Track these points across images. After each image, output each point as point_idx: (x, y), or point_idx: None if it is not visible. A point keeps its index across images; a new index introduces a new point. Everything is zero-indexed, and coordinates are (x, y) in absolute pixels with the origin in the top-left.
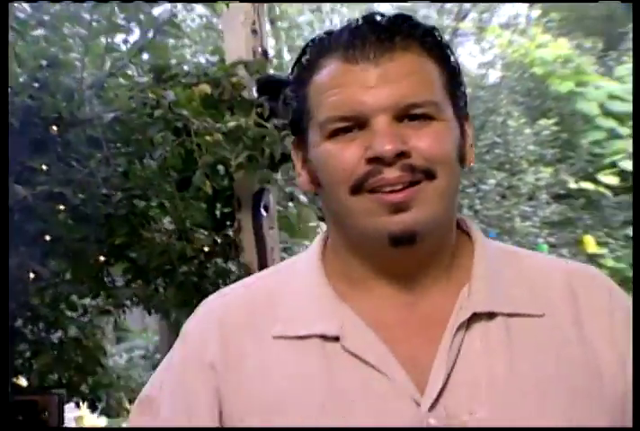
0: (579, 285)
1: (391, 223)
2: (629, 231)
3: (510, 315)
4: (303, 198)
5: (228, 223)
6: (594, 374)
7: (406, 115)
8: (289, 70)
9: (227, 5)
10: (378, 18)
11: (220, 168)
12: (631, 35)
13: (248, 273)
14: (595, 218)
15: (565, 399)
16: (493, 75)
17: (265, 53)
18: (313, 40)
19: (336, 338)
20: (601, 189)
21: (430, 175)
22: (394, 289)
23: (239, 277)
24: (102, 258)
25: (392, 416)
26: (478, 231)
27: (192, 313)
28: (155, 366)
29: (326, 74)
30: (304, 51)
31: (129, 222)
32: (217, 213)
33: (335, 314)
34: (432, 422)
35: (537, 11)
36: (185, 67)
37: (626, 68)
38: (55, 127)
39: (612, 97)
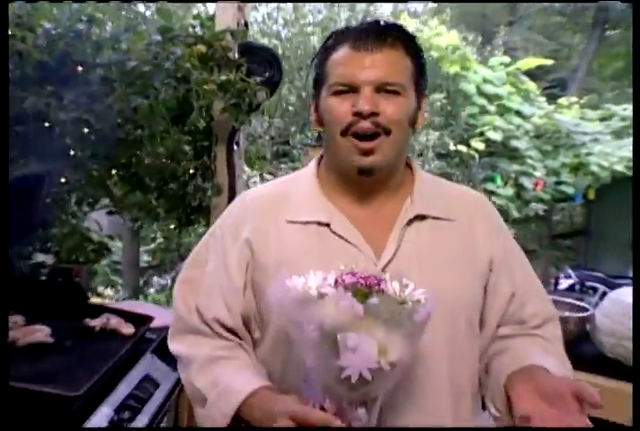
0: (476, 205)
1: (360, 161)
2: (487, 185)
3: (434, 218)
4: (261, 140)
5: (207, 153)
6: (475, 255)
7: (383, 89)
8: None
9: None
10: (381, 23)
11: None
12: (502, 33)
13: (219, 191)
14: (464, 174)
15: (459, 267)
16: None
17: (246, 24)
18: (335, 32)
19: (327, 225)
20: (472, 152)
21: (387, 132)
22: (363, 200)
23: (212, 194)
24: (113, 171)
25: (360, 270)
26: (418, 167)
27: (232, 202)
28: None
29: (339, 54)
30: (329, 37)
31: (135, 146)
32: (199, 145)
33: (326, 210)
34: (387, 276)
35: (434, 5)
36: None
37: (496, 60)
38: (80, 68)
39: (485, 81)
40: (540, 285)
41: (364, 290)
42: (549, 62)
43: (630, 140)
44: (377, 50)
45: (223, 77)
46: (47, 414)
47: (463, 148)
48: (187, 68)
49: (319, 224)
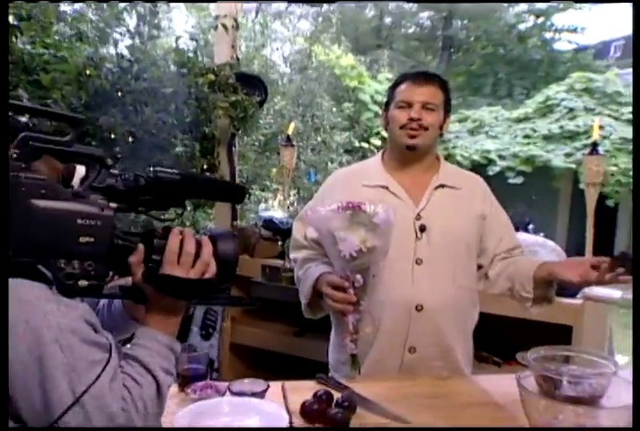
0: (476, 181)
1: (409, 142)
2: None
3: (450, 187)
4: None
5: (211, 153)
6: (472, 209)
7: (426, 106)
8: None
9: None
10: (428, 72)
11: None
12: (386, 52)
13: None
14: None
15: (462, 215)
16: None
17: (237, 58)
18: (402, 75)
19: (386, 187)
20: (372, 147)
21: (426, 129)
22: (407, 173)
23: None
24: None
25: (404, 215)
26: (442, 157)
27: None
28: None
29: (403, 86)
30: (399, 77)
31: (164, 145)
32: (204, 147)
33: (386, 179)
34: (421, 222)
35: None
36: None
37: (383, 75)
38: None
39: (377, 92)
40: (515, 234)
41: (350, 208)
42: None
43: (482, 136)
44: (425, 85)
45: (233, 98)
46: None
47: (365, 144)
48: (205, 92)
49: (382, 187)
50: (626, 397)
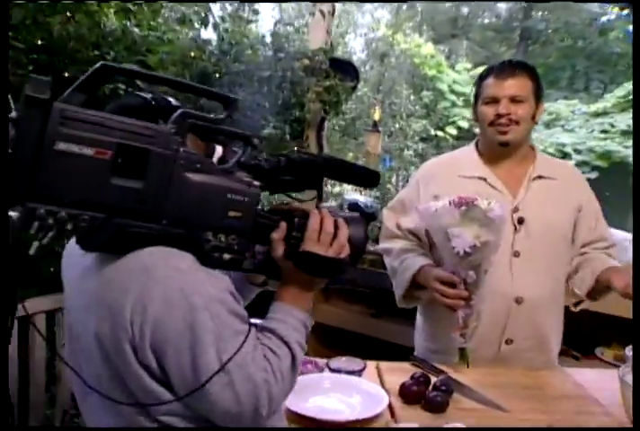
0: (572, 172)
1: (500, 139)
2: None
3: (547, 178)
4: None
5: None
6: (569, 201)
7: (513, 99)
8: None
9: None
10: (513, 62)
11: None
12: (464, 42)
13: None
14: (440, 153)
15: (560, 206)
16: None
17: (331, 44)
18: (487, 68)
19: (484, 179)
20: (447, 136)
21: (517, 123)
22: (503, 165)
23: None
24: None
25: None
26: (538, 148)
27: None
28: None
29: (489, 80)
30: (484, 71)
31: (256, 127)
32: (295, 129)
33: (483, 170)
34: (519, 214)
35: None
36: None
37: (461, 65)
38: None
39: (455, 82)
40: (606, 225)
41: (464, 203)
42: None
43: (558, 129)
44: (510, 77)
45: (327, 83)
46: None
47: (440, 133)
48: (300, 76)
49: (479, 178)
50: None
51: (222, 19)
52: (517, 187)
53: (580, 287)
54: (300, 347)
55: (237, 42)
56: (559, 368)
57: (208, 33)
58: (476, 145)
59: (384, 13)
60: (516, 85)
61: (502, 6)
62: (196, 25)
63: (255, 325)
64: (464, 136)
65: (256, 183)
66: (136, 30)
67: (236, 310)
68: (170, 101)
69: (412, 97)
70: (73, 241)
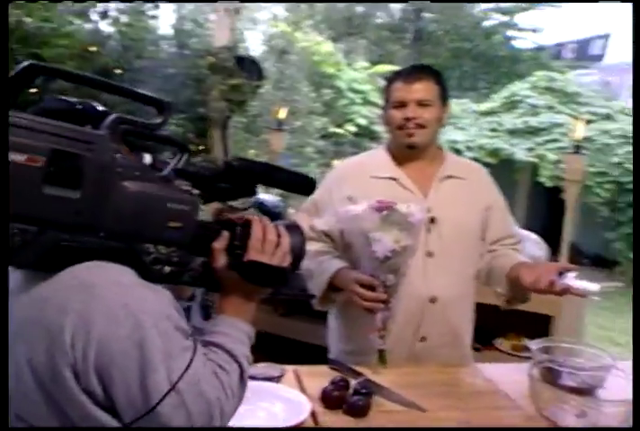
0: (479, 171)
1: (408, 141)
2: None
3: (456, 177)
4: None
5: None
6: (478, 200)
7: (420, 103)
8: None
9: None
10: (419, 67)
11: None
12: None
13: (215, 162)
14: (339, 150)
15: (469, 206)
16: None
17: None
18: (394, 73)
19: (395, 179)
20: (346, 133)
21: (424, 127)
22: (412, 165)
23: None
24: None
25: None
26: (446, 148)
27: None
28: None
29: (396, 85)
30: (391, 75)
31: None
32: (200, 127)
33: (394, 171)
34: (431, 214)
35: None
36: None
37: (359, 64)
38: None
39: (352, 80)
40: (513, 222)
41: (384, 208)
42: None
43: (450, 127)
44: (417, 81)
45: (233, 81)
46: None
47: (339, 130)
48: (205, 73)
49: (390, 178)
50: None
51: (122, 12)
52: (428, 187)
53: (499, 287)
54: (247, 360)
55: (139, 38)
56: (473, 365)
57: (107, 27)
58: (387, 147)
59: (281, 9)
60: (423, 89)
61: (395, 6)
62: (93, 18)
63: (196, 339)
64: (362, 134)
65: (195, 191)
66: (29, 19)
67: (181, 325)
68: (95, 106)
69: (312, 94)
70: None
